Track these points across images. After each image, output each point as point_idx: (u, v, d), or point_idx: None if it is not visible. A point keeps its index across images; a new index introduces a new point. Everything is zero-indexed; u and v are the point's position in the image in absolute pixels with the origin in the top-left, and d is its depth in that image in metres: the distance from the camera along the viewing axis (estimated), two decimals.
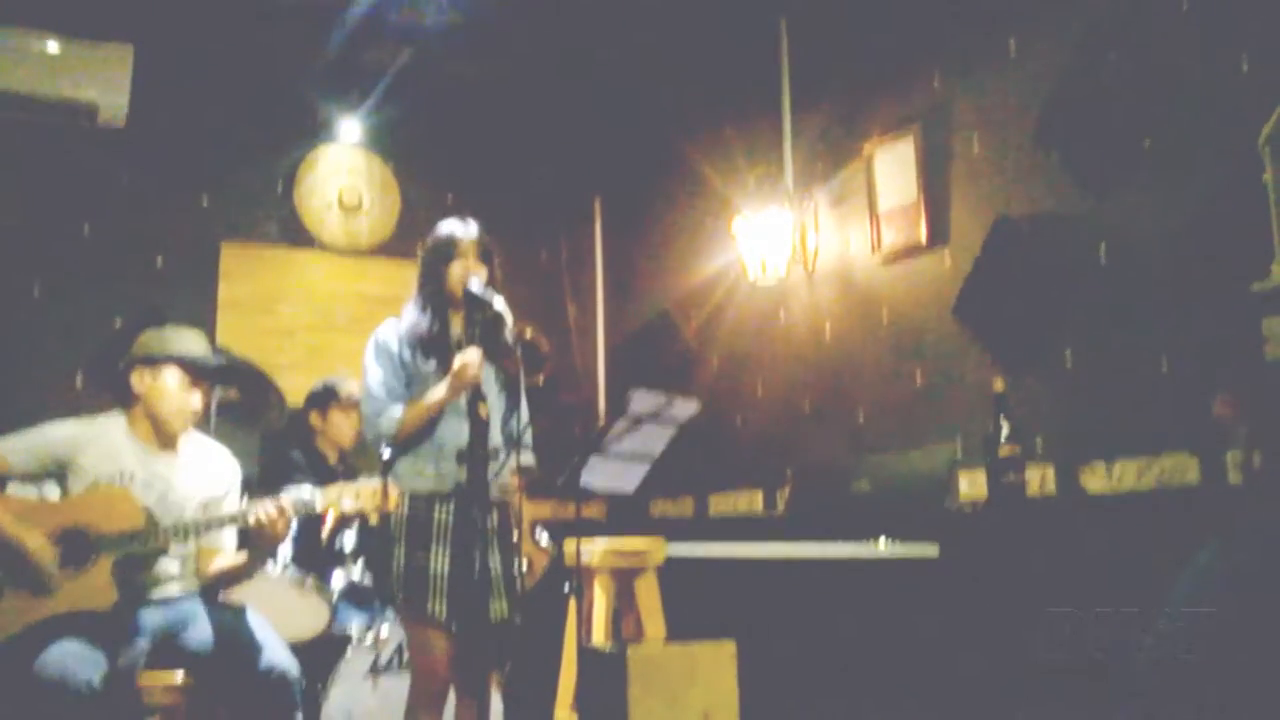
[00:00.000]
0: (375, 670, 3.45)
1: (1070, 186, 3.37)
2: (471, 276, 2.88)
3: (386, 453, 2.83)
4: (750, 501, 4.67)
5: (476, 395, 2.70)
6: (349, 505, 2.77)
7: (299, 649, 3.20)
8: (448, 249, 2.91)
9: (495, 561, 2.83)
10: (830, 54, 4.43)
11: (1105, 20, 3.28)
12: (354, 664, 3.44)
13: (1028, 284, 3.45)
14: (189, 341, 3.02)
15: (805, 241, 4.40)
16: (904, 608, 2.90)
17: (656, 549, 3.62)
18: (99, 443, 2.89)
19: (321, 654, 3.46)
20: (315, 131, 5.26)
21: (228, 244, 5.04)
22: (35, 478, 2.92)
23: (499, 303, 2.79)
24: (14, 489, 2.89)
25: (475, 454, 2.65)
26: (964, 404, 3.64)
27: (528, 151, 5.61)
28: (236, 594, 3.11)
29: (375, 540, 3.68)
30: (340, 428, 4.16)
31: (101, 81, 4.51)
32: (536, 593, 4.20)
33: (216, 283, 4.98)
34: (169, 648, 2.82)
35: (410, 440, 2.83)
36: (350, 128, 5.31)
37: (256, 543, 2.86)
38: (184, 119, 4.92)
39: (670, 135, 5.25)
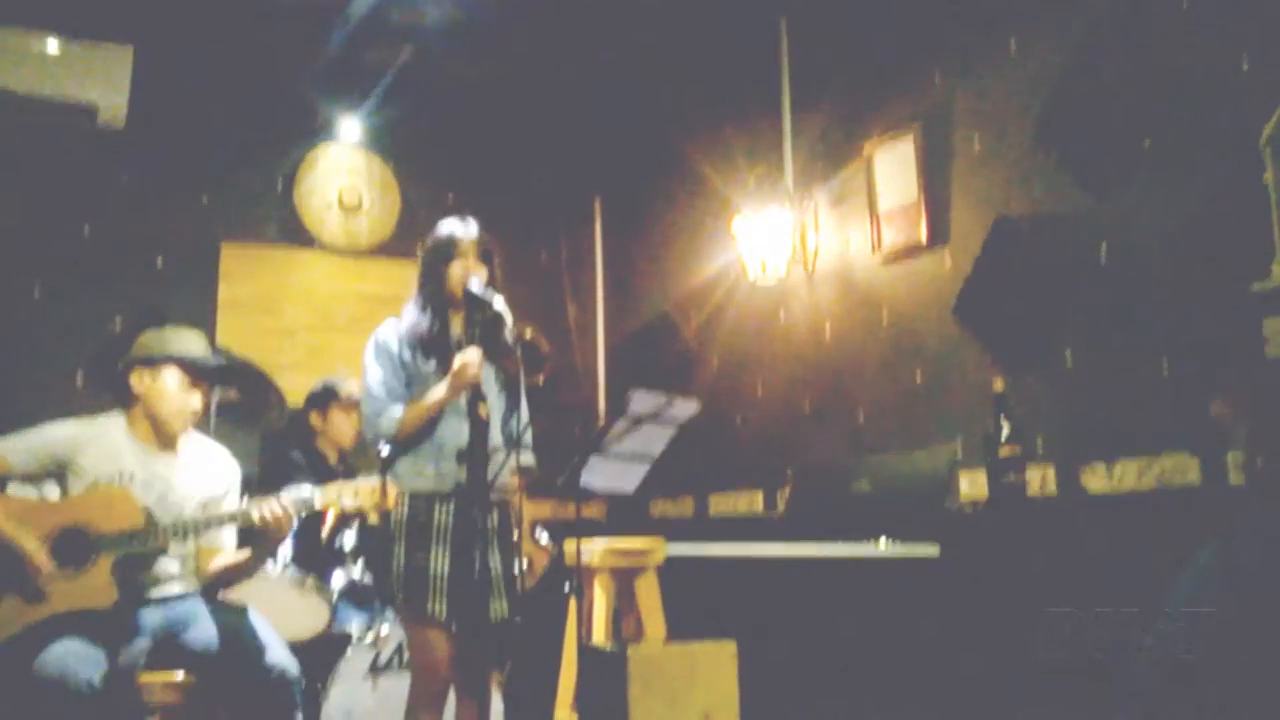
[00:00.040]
0: (375, 670, 3.45)
1: (1070, 186, 3.37)
2: (471, 276, 2.88)
3: (385, 450, 2.83)
4: (750, 501, 4.67)
5: (476, 395, 2.70)
6: (348, 503, 2.77)
7: (299, 649, 3.20)
8: (448, 249, 2.91)
9: (495, 561, 2.83)
10: (830, 54, 4.43)
11: (1105, 20, 3.27)
12: (354, 663, 3.44)
13: (1028, 284, 3.45)
14: (188, 342, 3.02)
15: (805, 241, 4.40)
16: (904, 608, 2.90)
17: (656, 549, 3.62)
18: (99, 443, 2.89)
19: (321, 654, 3.46)
20: (315, 131, 5.26)
21: (228, 244, 5.04)
22: (35, 478, 2.92)
23: (499, 303, 2.79)
24: (14, 489, 2.89)
25: (475, 454, 2.65)
26: (964, 404, 3.64)
27: (528, 151, 5.61)
28: (237, 594, 3.11)
29: (375, 540, 3.69)
30: (340, 428, 4.17)
31: (101, 82, 4.51)
32: (536, 592, 4.20)
33: (216, 283, 4.98)
34: (169, 647, 2.83)
35: (410, 440, 2.83)
36: (350, 127, 5.31)
37: (259, 540, 2.86)
38: (184, 119, 4.92)
39: (670, 135, 5.25)
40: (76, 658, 2.56)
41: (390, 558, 2.81)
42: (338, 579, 3.69)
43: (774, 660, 3.28)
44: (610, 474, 2.99)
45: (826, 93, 4.39)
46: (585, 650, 3.17)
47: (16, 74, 4.40)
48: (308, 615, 3.52)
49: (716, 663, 3.05)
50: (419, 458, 2.83)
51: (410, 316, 2.92)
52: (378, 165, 5.39)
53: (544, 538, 4.28)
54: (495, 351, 2.88)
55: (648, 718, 2.90)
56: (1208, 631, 2.21)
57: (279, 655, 2.82)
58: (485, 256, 2.94)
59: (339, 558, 3.73)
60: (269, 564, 3.41)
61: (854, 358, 4.18)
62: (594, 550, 3.48)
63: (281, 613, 3.28)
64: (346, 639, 3.53)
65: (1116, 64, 3.22)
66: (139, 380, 2.95)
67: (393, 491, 2.79)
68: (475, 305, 2.88)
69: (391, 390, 2.84)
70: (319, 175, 5.25)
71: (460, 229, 2.93)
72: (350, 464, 4.17)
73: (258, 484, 3.49)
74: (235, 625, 2.85)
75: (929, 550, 2.84)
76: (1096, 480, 3.20)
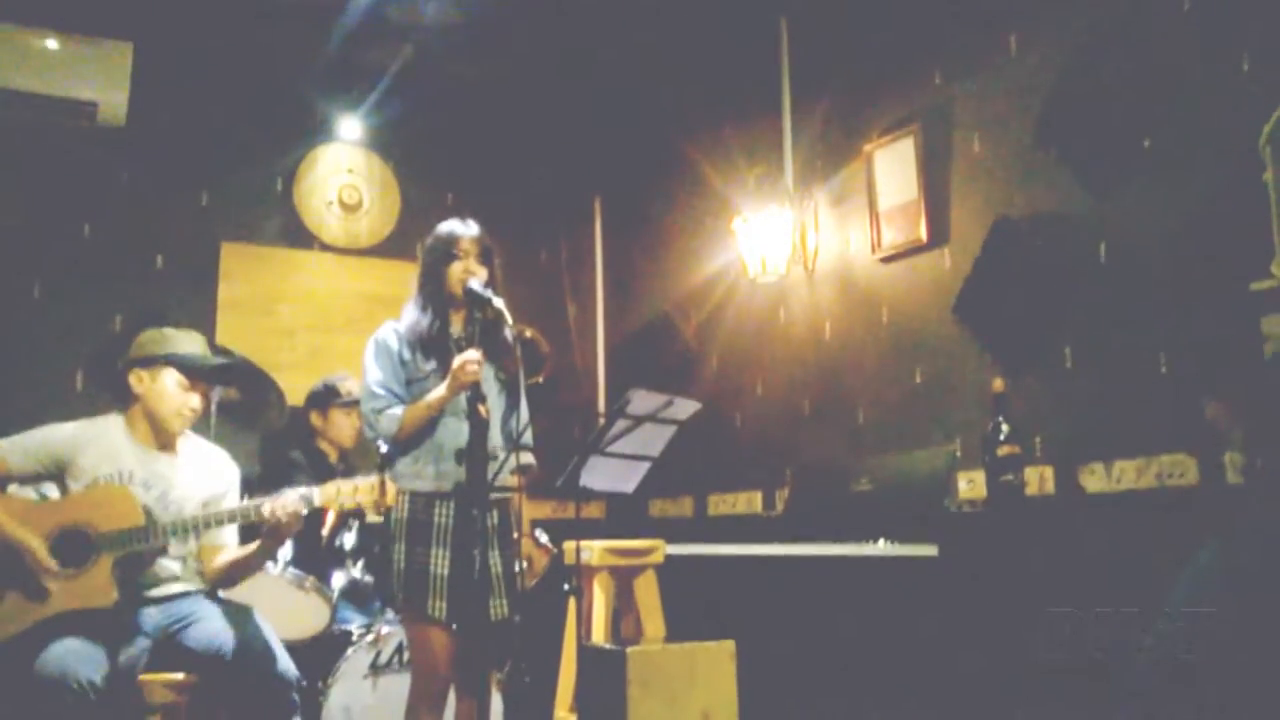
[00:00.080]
0: (375, 669, 3.45)
1: (1070, 186, 3.37)
2: (471, 276, 2.88)
3: (384, 448, 2.84)
4: (750, 501, 4.67)
5: (476, 395, 2.70)
6: (346, 501, 2.77)
7: (299, 648, 3.21)
8: (448, 249, 2.91)
9: (495, 561, 2.83)
10: (830, 54, 4.43)
11: (1105, 20, 3.28)
12: (354, 663, 3.44)
13: (1028, 284, 3.45)
14: (187, 342, 3.03)
15: (805, 241, 4.40)
16: (903, 608, 2.90)
17: (656, 549, 3.62)
18: (98, 443, 2.89)
19: (321, 653, 3.46)
20: (315, 131, 5.26)
21: (228, 244, 5.04)
22: (35, 479, 2.92)
23: (499, 302, 2.80)
24: (13, 491, 2.89)
25: (475, 454, 2.65)
26: (964, 404, 3.64)
27: (528, 151, 5.61)
28: (238, 593, 3.11)
29: (375, 540, 3.69)
30: (340, 427, 4.17)
31: (101, 79, 4.50)
32: (536, 592, 4.20)
33: (216, 283, 4.97)
34: (170, 647, 2.83)
35: (410, 440, 2.83)
36: (350, 127, 5.30)
37: (269, 536, 2.86)
38: (184, 118, 4.92)
39: (670, 135, 5.25)
40: (77, 658, 2.56)
41: (390, 557, 2.82)
42: (338, 579, 3.69)
43: (773, 660, 3.28)
44: (610, 474, 3.00)
45: (826, 93, 4.39)
46: (585, 650, 3.17)
47: (16, 71, 4.40)
48: (308, 615, 3.52)
49: (716, 662, 3.06)
50: (419, 457, 2.83)
51: (410, 316, 2.92)
52: (378, 165, 5.39)
53: (544, 538, 4.29)
54: (495, 351, 2.88)
55: (647, 718, 2.91)
56: (1207, 631, 2.21)
57: (279, 656, 2.82)
58: (485, 256, 2.94)
59: (339, 558, 3.73)
60: (269, 564, 3.41)
61: (854, 357, 4.18)
62: (593, 550, 3.48)
63: (281, 613, 3.28)
64: (346, 639, 3.53)
65: (1116, 64, 3.22)
66: (138, 380, 2.95)
67: (392, 490, 2.79)
68: (475, 304, 2.88)
69: (391, 390, 2.85)
70: (319, 174, 5.25)
71: (461, 229, 2.93)
72: (350, 463, 4.18)
73: (258, 484, 3.49)
74: (236, 626, 2.85)
75: (928, 550, 2.84)
76: (1095, 480, 3.20)
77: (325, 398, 4.18)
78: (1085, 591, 2.68)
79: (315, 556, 3.69)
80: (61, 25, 4.47)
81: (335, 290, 5.22)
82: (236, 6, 4.58)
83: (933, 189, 3.84)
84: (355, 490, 2.77)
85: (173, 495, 2.92)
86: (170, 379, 2.95)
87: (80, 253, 4.73)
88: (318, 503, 2.80)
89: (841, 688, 3.13)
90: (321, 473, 3.86)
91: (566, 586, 3.10)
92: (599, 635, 3.43)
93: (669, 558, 3.64)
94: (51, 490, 2.91)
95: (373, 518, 3.58)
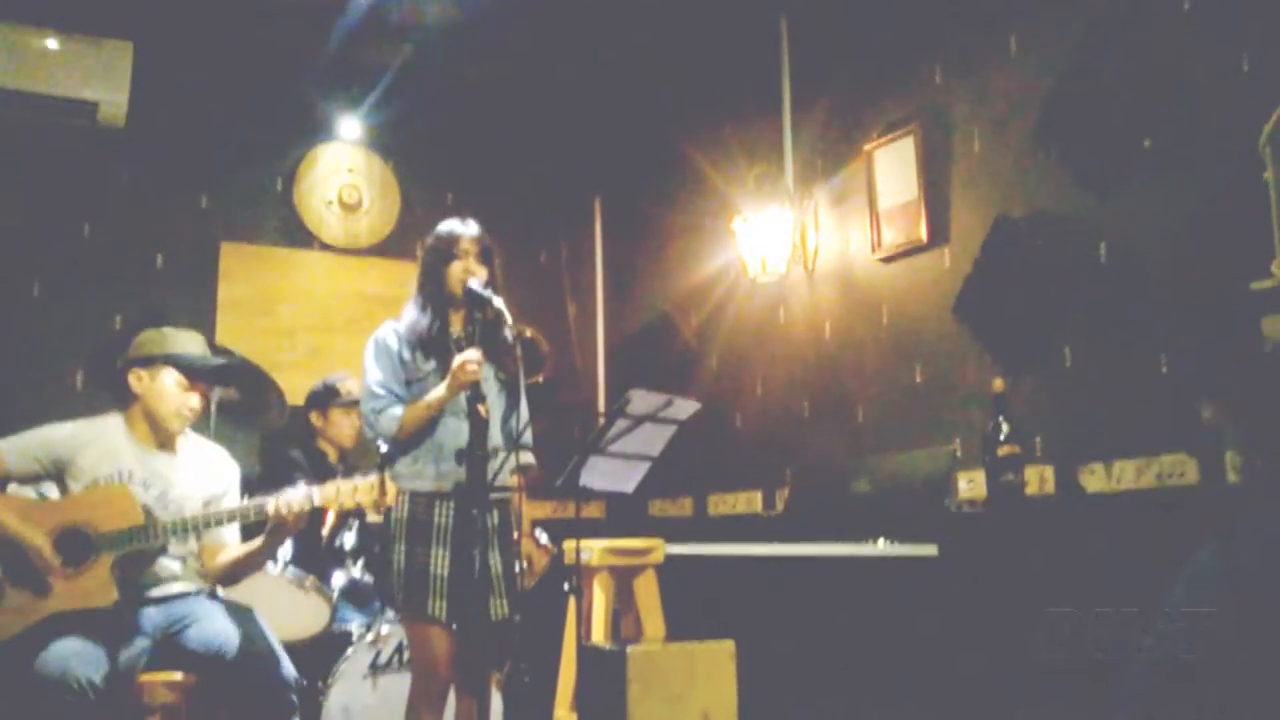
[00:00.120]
0: (375, 669, 3.45)
1: (1070, 186, 3.37)
2: (471, 276, 2.88)
3: (384, 448, 2.84)
4: (750, 501, 4.67)
5: (476, 395, 2.70)
6: (346, 501, 2.77)
7: (299, 648, 3.21)
8: (448, 248, 2.91)
9: (495, 561, 2.84)
10: (830, 53, 4.43)
11: (1105, 20, 3.27)
12: (354, 663, 3.44)
13: (1028, 284, 3.45)
14: (186, 342, 3.02)
15: (805, 241, 4.40)
16: (903, 608, 2.90)
17: (656, 548, 3.62)
18: (97, 443, 2.89)
19: (321, 654, 3.46)
20: (315, 130, 5.26)
21: (228, 244, 5.04)
22: (34, 479, 2.92)
23: (499, 302, 2.80)
24: (13, 491, 2.89)
25: (475, 454, 2.65)
26: (964, 404, 3.64)
27: (528, 151, 5.61)
28: (238, 593, 3.11)
29: (375, 540, 3.69)
30: (340, 427, 4.17)
31: (101, 79, 4.50)
32: (536, 592, 4.20)
33: (216, 282, 4.98)
34: (170, 647, 2.82)
35: (410, 440, 2.83)
36: (350, 126, 5.30)
37: (273, 533, 2.86)
38: (184, 118, 4.92)
39: (670, 135, 5.25)
40: (77, 658, 2.56)
41: (390, 557, 2.82)
42: (338, 579, 3.69)
43: (773, 660, 3.28)
44: (610, 474, 3.00)
45: (827, 92, 4.39)
46: (585, 650, 3.17)
47: (16, 71, 4.40)
48: (308, 615, 3.52)
49: (715, 662, 3.06)
50: (419, 457, 2.83)
51: (410, 316, 2.92)
52: (377, 164, 5.39)
53: (544, 538, 4.29)
54: (495, 351, 2.88)
55: (647, 717, 2.91)
56: (1207, 631, 2.21)
57: (285, 664, 2.82)
58: (485, 256, 2.94)
59: (339, 558, 3.73)
60: (269, 564, 3.41)
61: (854, 357, 4.18)
62: (593, 550, 3.48)
63: (281, 612, 3.28)
64: (346, 639, 3.53)
65: (1116, 64, 3.22)
66: (137, 380, 2.95)
67: (392, 490, 2.79)
68: (475, 304, 2.88)
69: (391, 390, 2.85)
70: (319, 174, 5.25)
71: (461, 229, 2.93)
72: (350, 463, 4.17)
73: (258, 484, 3.49)
74: (240, 628, 2.85)
75: (928, 550, 2.84)
76: (1095, 480, 3.20)
77: (325, 398, 4.18)
78: (1085, 591, 2.68)
79: (315, 556, 3.69)
80: (61, 25, 4.47)
81: (335, 290, 5.22)
82: (236, 6, 4.58)
83: (933, 189, 3.84)
84: (355, 490, 2.77)
85: (173, 494, 2.92)
86: (169, 379, 2.95)
87: (80, 252, 4.74)
88: (318, 502, 2.80)
89: (841, 688, 3.12)
90: (321, 473, 3.86)
91: (566, 586, 3.10)
92: (599, 635, 3.43)
93: (669, 557, 3.64)
94: (51, 490, 2.91)
95: (373, 517, 3.58)
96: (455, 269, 2.89)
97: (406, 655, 3.41)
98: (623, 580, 3.60)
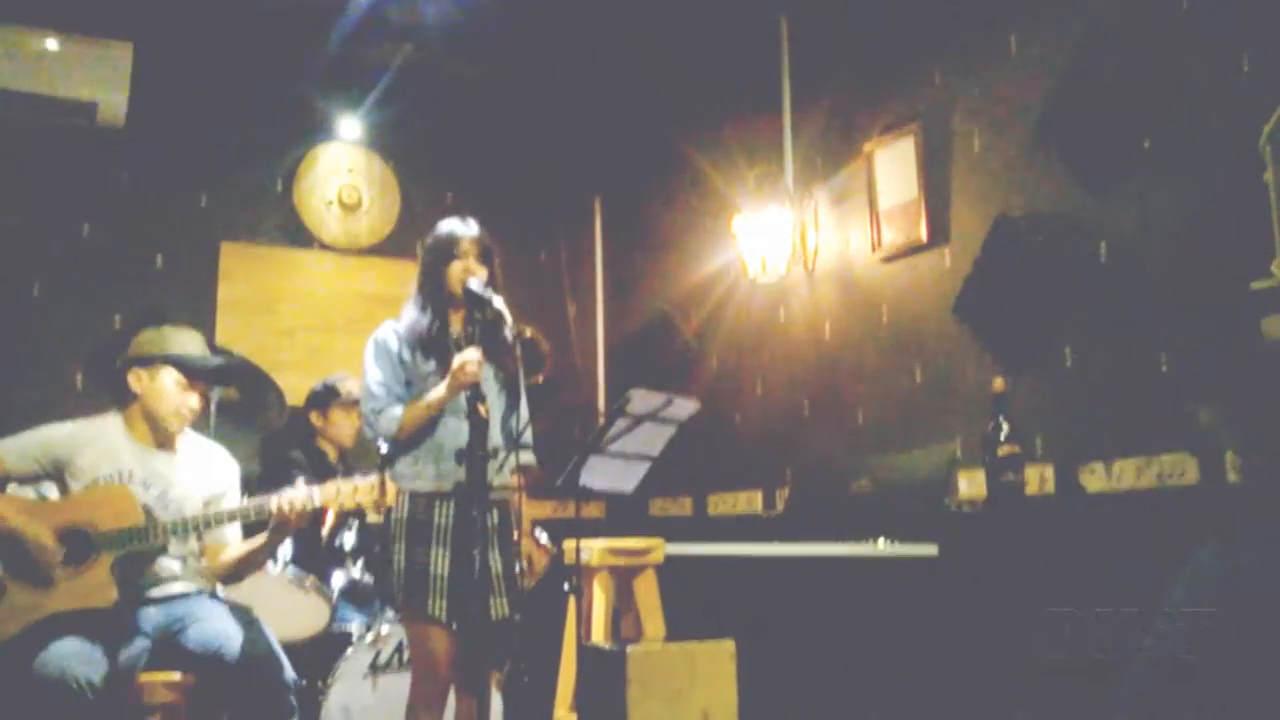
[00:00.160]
0: (375, 669, 3.45)
1: (1070, 186, 3.37)
2: (471, 276, 2.88)
3: (384, 448, 2.84)
4: (750, 501, 4.67)
5: (476, 395, 2.70)
6: (346, 501, 2.77)
7: (299, 648, 3.20)
8: (448, 248, 2.91)
9: (495, 561, 2.84)
10: (830, 53, 4.43)
11: (1105, 20, 3.27)
12: (354, 663, 3.44)
13: (1028, 283, 3.45)
14: (186, 341, 3.02)
15: (805, 240, 4.40)
16: (903, 607, 2.90)
17: (656, 548, 3.62)
18: (97, 443, 2.89)
19: (321, 654, 3.46)
20: (315, 130, 5.26)
21: (227, 244, 5.04)
22: (34, 479, 2.92)
23: (499, 302, 2.80)
24: (12, 491, 2.89)
25: (475, 454, 2.65)
26: (964, 404, 3.64)
27: (528, 151, 5.61)
28: (238, 592, 3.11)
29: (375, 540, 3.69)
30: (340, 427, 4.17)
31: (101, 79, 4.50)
32: (536, 592, 4.20)
33: (216, 283, 4.98)
34: (169, 647, 2.82)
35: (410, 440, 2.83)
36: (350, 126, 5.30)
37: (276, 530, 2.86)
38: (184, 118, 4.92)
39: (670, 135, 5.25)
40: (76, 658, 2.56)
41: (390, 557, 2.82)
42: (338, 579, 3.70)
43: (773, 660, 3.28)
44: (610, 474, 2.99)
45: (827, 92, 4.39)
46: (584, 650, 3.17)
47: (16, 71, 4.40)
48: (308, 615, 3.52)
49: (715, 662, 3.06)
50: (419, 457, 2.83)
51: (410, 316, 2.92)
52: (378, 164, 5.39)
53: (544, 538, 4.29)
54: (495, 351, 2.88)
55: (647, 717, 2.91)
56: (1207, 631, 2.21)
57: (285, 665, 2.82)
58: (485, 256, 2.94)
59: (339, 558, 3.73)
60: (269, 564, 3.41)
61: (854, 357, 4.18)
62: (593, 550, 3.48)
63: (281, 612, 3.29)
64: (346, 639, 3.53)
65: (1116, 64, 3.22)
66: (136, 380, 2.95)
67: (392, 490, 2.79)
68: (475, 304, 2.88)
69: (391, 390, 2.85)
70: (319, 174, 5.25)
71: (460, 228, 2.93)
72: (350, 463, 4.17)
73: (258, 484, 3.49)
74: (240, 628, 2.85)
75: (928, 550, 2.84)
76: (1095, 480, 3.20)
77: (325, 398, 4.18)
78: (1085, 591, 2.68)
79: (315, 556, 3.69)
80: (61, 25, 4.47)
81: (335, 290, 5.22)
82: (236, 6, 4.58)
83: (933, 188, 3.83)
84: (355, 490, 2.77)
85: (172, 494, 2.92)
86: (169, 378, 2.95)
87: (80, 252, 4.74)
88: (318, 502, 2.80)
89: (841, 688, 3.12)
90: (321, 472, 3.86)
91: (566, 586, 3.09)
92: (599, 635, 3.43)
93: (669, 557, 3.64)
94: (51, 491, 2.91)
95: (373, 517, 3.58)
96: (455, 269, 2.89)
97: (406, 655, 3.41)
98: (623, 580, 3.60)
